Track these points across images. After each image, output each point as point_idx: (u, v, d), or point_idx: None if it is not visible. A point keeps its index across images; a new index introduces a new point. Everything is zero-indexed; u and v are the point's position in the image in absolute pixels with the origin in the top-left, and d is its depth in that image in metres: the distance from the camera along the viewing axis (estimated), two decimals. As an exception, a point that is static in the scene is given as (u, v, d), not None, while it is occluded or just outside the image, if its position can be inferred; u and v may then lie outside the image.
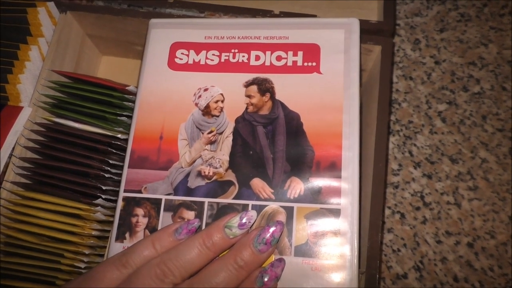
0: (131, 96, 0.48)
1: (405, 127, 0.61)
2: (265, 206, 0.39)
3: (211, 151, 0.42)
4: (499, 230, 0.55)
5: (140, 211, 0.41)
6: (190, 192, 0.41)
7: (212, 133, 0.43)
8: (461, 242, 0.55)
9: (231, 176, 0.41)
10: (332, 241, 0.38)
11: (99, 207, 0.46)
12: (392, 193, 0.58)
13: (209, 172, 0.41)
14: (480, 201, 0.57)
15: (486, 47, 0.64)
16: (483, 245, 0.55)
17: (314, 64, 0.44)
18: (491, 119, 0.60)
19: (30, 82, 0.52)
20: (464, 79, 0.62)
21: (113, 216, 0.46)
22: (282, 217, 0.39)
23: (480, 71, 0.63)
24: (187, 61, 0.46)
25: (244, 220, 0.35)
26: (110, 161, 0.46)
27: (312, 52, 0.44)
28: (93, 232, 0.45)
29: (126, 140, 0.46)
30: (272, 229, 0.35)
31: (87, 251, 0.45)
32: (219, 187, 0.41)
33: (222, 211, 0.40)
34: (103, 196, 0.46)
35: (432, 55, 0.64)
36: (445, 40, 0.64)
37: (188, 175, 0.42)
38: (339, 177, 0.40)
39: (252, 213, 0.36)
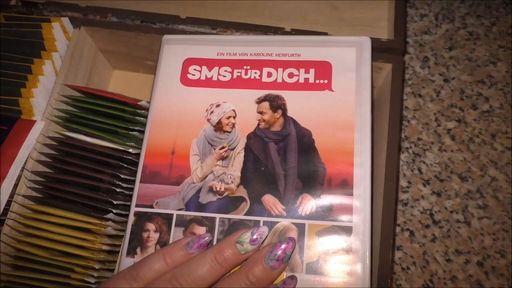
0: (143, 111, 0.49)
1: (414, 144, 0.61)
2: (277, 222, 0.39)
3: (223, 166, 0.42)
4: (509, 250, 0.55)
5: (151, 226, 0.41)
6: (201, 207, 0.41)
7: (224, 149, 0.43)
8: (471, 261, 0.55)
9: (242, 192, 0.41)
10: (343, 259, 0.38)
11: (110, 221, 0.46)
12: (401, 211, 0.58)
13: (220, 188, 0.41)
14: (490, 220, 0.57)
15: (495, 66, 0.64)
16: (493, 264, 0.55)
17: (325, 81, 0.44)
18: (500, 138, 0.60)
19: (43, 96, 0.52)
20: (473, 97, 0.63)
21: (123, 230, 0.46)
22: (293, 234, 0.39)
23: (489, 89, 0.63)
24: (200, 77, 0.46)
25: (255, 236, 0.35)
26: (121, 176, 0.46)
27: (324, 69, 0.44)
28: (104, 247, 0.45)
29: (137, 155, 0.47)
30: (284, 246, 0.35)
31: (97, 266, 0.45)
32: (230, 203, 0.41)
33: (234, 227, 0.40)
34: (114, 211, 0.46)
35: (441, 73, 0.64)
36: (454, 58, 0.65)
37: (199, 190, 0.42)
38: (350, 194, 0.40)
39: (264, 229, 0.36)
